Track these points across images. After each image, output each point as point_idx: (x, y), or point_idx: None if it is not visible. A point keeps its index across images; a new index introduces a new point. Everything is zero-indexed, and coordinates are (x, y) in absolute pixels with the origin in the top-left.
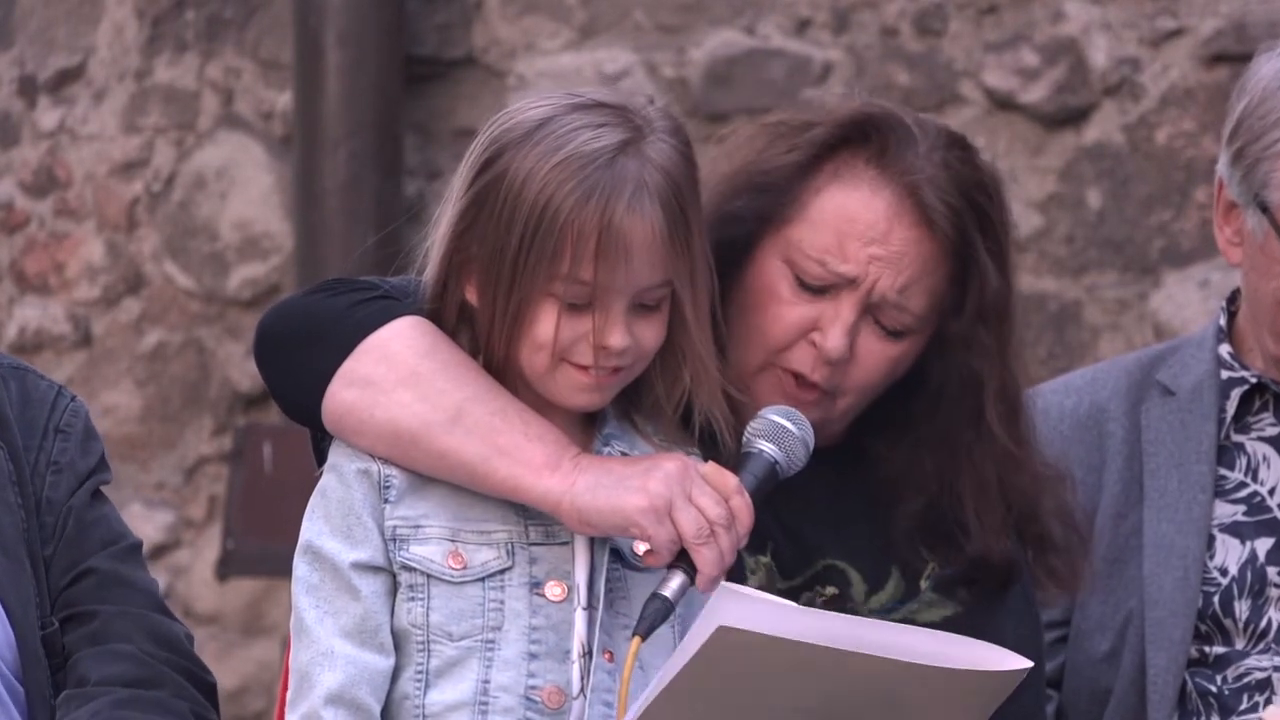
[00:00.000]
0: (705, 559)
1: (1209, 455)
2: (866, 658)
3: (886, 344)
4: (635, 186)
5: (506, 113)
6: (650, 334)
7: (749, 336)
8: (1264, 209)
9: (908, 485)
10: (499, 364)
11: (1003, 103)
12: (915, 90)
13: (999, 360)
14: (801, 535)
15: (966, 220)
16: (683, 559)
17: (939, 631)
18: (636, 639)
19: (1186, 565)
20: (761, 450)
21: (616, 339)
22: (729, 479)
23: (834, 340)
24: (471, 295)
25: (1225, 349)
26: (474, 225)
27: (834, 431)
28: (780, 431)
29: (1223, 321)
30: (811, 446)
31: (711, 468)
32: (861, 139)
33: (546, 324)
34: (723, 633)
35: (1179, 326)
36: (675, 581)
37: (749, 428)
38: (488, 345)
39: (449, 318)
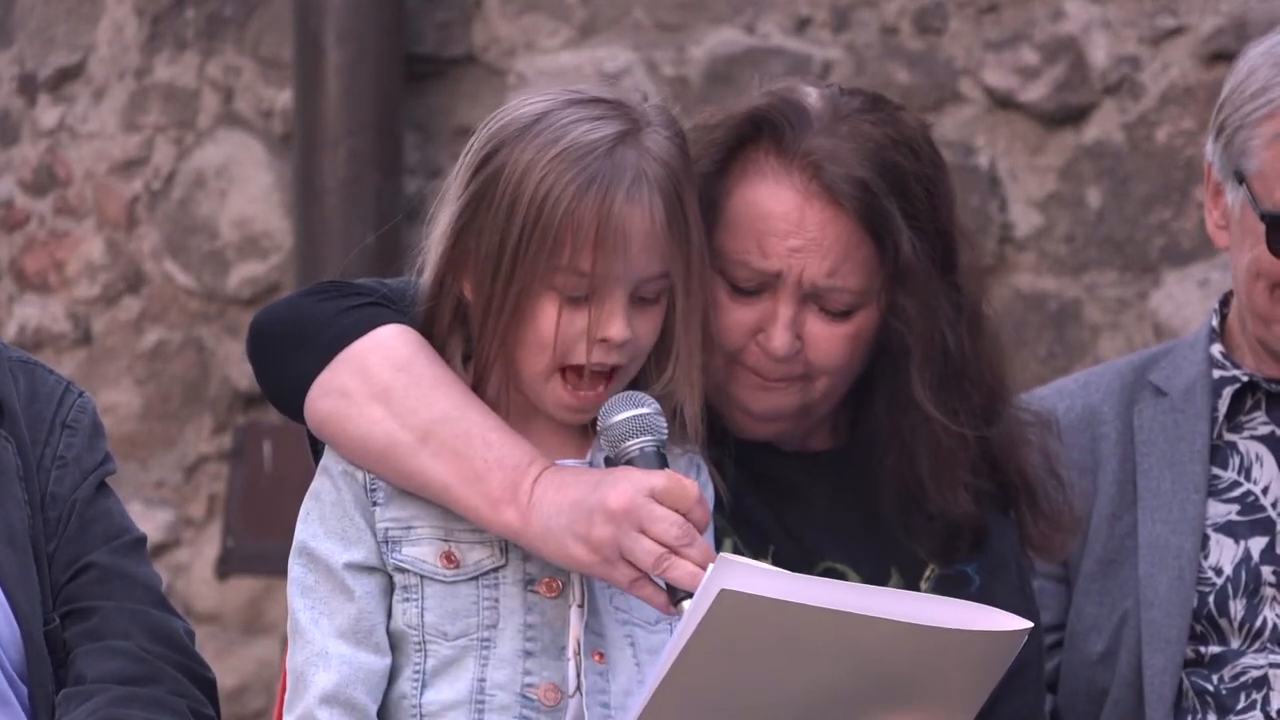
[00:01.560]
0: (678, 579)
1: (1202, 455)
2: (869, 620)
3: (836, 325)
4: (634, 176)
5: (502, 110)
6: (647, 328)
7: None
8: (1241, 179)
9: (880, 457)
10: (490, 362)
11: (1003, 101)
12: (915, 89)
13: (924, 326)
14: (801, 537)
15: (876, 188)
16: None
17: (940, 597)
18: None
19: (1181, 565)
20: (642, 448)
21: (616, 330)
22: (689, 490)
23: (777, 340)
24: (468, 291)
25: (1217, 348)
26: (473, 220)
27: (823, 412)
28: (638, 422)
29: (1215, 323)
30: (659, 405)
31: (669, 481)
32: (756, 133)
33: (547, 319)
34: (726, 596)
35: (1179, 325)
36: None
37: (608, 437)
38: (480, 342)
39: (444, 316)
